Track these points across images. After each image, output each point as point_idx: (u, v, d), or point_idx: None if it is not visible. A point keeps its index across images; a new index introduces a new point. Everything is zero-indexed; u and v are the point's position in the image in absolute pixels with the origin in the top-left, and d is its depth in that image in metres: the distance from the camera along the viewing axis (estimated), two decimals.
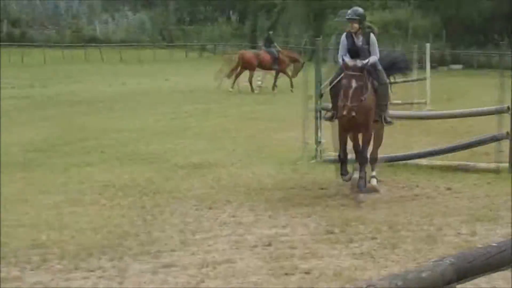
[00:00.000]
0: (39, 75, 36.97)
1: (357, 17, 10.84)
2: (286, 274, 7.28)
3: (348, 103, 9.85)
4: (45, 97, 25.13)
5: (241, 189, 11.07)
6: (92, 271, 7.21)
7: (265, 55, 29.62)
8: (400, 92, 20.73)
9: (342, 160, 10.96)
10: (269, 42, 30.71)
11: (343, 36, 11.05)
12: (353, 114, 9.93)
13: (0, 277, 6.98)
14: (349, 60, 10.46)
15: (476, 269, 3.33)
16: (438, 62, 38.23)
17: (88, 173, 12.27)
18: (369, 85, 10.64)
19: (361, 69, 10.24)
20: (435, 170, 12.59)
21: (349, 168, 11.01)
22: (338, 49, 11.27)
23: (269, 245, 8.23)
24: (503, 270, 3.64)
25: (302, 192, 10.80)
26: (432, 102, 20.41)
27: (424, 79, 21.69)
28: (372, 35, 11.07)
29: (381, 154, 11.97)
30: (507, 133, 12.36)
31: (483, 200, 10.64)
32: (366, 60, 10.59)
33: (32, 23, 68.82)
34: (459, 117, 14.38)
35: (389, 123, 11.55)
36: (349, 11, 11.02)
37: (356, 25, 10.81)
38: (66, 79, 34.07)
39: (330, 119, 11.27)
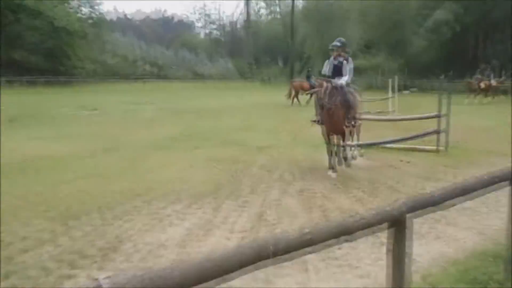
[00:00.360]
0: (171, 96, 37.31)
1: (337, 46, 9.79)
2: (310, 208, 7.39)
3: (326, 101, 8.94)
4: (174, 110, 25.35)
5: (285, 161, 11.05)
6: (199, 208, 7.39)
7: (306, 83, 29.34)
8: (379, 105, 20.65)
9: (329, 157, 9.88)
10: (309, 76, 30.36)
11: (328, 60, 9.95)
12: (332, 107, 8.98)
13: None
14: (320, 81, 9.33)
15: (420, 206, 3.36)
16: (402, 88, 37.18)
17: (199, 151, 12.43)
18: (339, 102, 9.30)
19: (323, 84, 9.07)
20: (398, 151, 12.49)
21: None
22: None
23: (301, 193, 8.31)
24: (436, 206, 3.65)
25: (321, 163, 10.72)
26: (398, 111, 20.13)
27: (393, 97, 21.55)
28: (349, 58, 9.91)
29: (366, 140, 11.93)
30: (443, 129, 12.27)
31: (427, 168, 10.54)
32: (339, 82, 9.44)
33: (165, 65, 69.73)
34: (414, 119, 14.16)
35: (354, 124, 10.19)
36: (334, 41, 10.00)
37: (335, 52, 9.78)
38: (186, 99, 34.27)
39: (314, 122, 10.01)
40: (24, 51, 49.33)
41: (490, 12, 49.29)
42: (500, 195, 5.31)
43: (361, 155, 11.36)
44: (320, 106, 9.31)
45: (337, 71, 9.69)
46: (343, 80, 9.59)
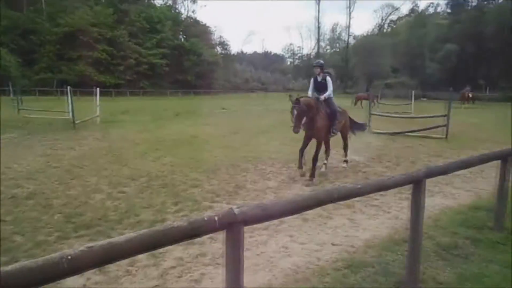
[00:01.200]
0: (269, 101, 37.07)
1: (318, 65, 6.93)
2: (355, 172, 7.08)
3: (292, 124, 6.19)
4: (272, 109, 25.17)
5: (338, 142, 10.66)
6: (287, 169, 7.31)
7: (365, 95, 26.61)
8: (403, 108, 19.35)
9: (299, 156, 6.69)
10: (368, 90, 28.44)
11: (312, 79, 7.04)
12: (295, 130, 6.22)
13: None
14: (298, 97, 6.27)
15: (434, 173, 3.12)
16: (418, 97, 33.88)
17: (286, 134, 12.10)
18: (323, 111, 6.69)
19: (298, 101, 6.15)
20: (418, 137, 11.62)
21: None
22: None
23: (350, 162, 7.94)
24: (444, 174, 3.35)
25: (365, 145, 10.19)
26: (415, 112, 18.75)
27: (411, 103, 20.24)
28: (328, 77, 6.85)
29: (394, 130, 11.19)
30: (445, 125, 11.35)
31: (436, 148, 9.76)
32: (322, 97, 6.73)
33: (266, 82, 69.34)
34: (426, 117, 13.10)
35: (334, 134, 7.25)
36: (315, 61, 7.19)
37: (318, 70, 6.84)
38: (278, 103, 33.71)
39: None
40: (182, 73, 53.33)
41: (482, 47, 47.02)
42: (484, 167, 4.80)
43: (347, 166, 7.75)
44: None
45: (322, 87, 6.93)
46: (325, 95, 6.85)
